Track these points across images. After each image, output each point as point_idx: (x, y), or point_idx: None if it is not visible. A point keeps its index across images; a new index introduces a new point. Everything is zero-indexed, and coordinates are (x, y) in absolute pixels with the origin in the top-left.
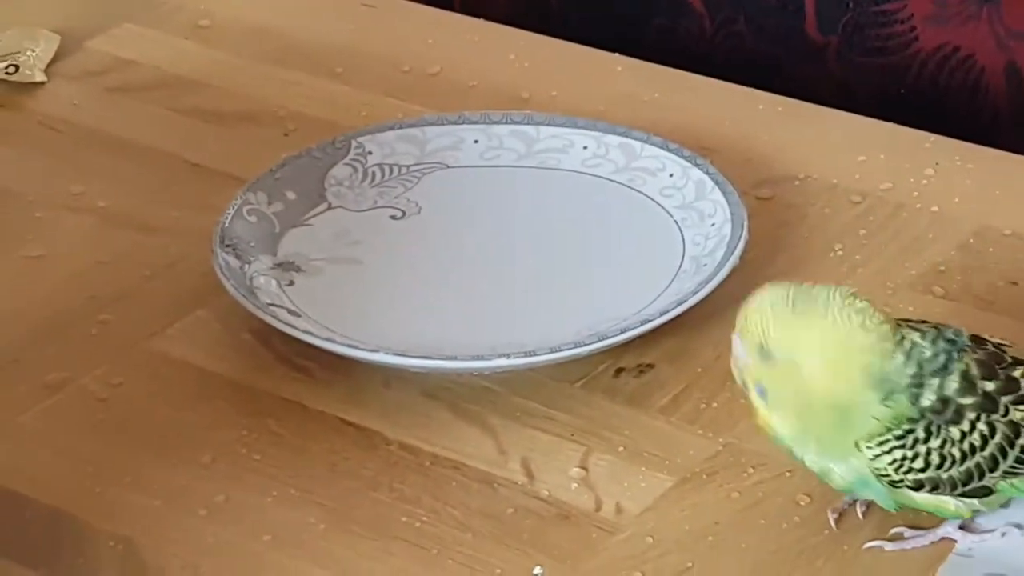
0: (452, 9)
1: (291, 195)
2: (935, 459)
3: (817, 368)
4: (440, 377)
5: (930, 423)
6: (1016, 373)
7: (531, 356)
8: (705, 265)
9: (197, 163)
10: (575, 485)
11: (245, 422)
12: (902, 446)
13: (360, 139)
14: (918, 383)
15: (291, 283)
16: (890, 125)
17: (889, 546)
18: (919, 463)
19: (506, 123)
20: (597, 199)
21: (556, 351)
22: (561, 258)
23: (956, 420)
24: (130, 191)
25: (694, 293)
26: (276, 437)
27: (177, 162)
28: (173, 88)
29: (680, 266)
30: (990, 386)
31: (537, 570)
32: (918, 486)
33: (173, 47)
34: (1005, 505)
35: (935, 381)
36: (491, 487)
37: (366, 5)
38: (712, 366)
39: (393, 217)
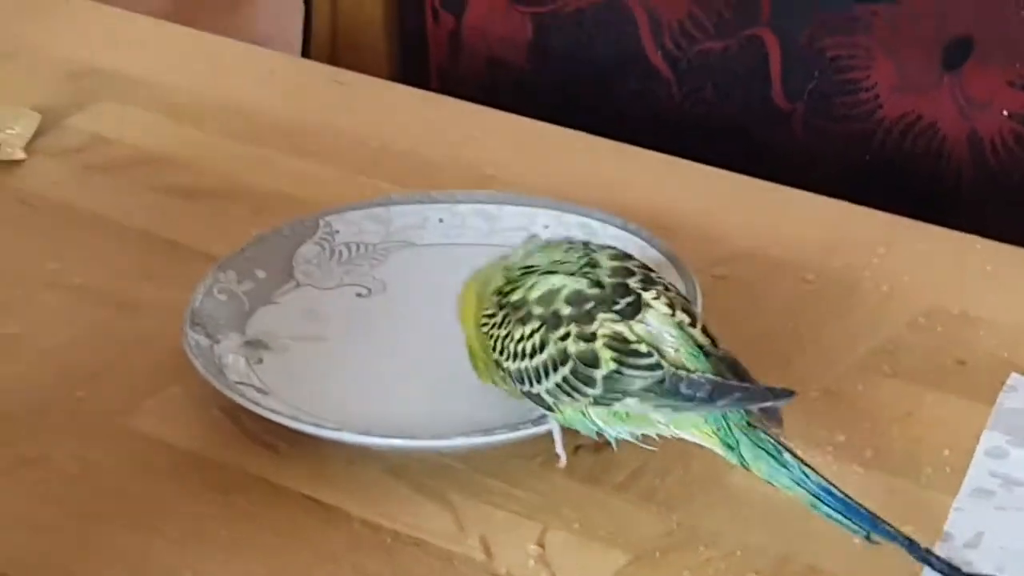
0: (428, 87)
1: (261, 273)
2: (499, 346)
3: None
4: (403, 455)
5: (505, 315)
6: (601, 315)
7: (490, 435)
8: None
9: (171, 239)
10: (532, 562)
11: (213, 497)
12: (486, 323)
13: (328, 218)
14: (521, 276)
15: (260, 361)
16: (845, 204)
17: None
18: (494, 343)
19: (469, 202)
20: None
21: (514, 430)
22: None
23: (523, 321)
24: (105, 268)
25: None
26: (243, 513)
27: (151, 239)
28: (149, 165)
29: None
30: (566, 309)
31: None
32: (497, 367)
33: (149, 124)
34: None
35: (529, 281)
36: (451, 564)
37: (337, 82)
38: (667, 444)
39: (359, 295)
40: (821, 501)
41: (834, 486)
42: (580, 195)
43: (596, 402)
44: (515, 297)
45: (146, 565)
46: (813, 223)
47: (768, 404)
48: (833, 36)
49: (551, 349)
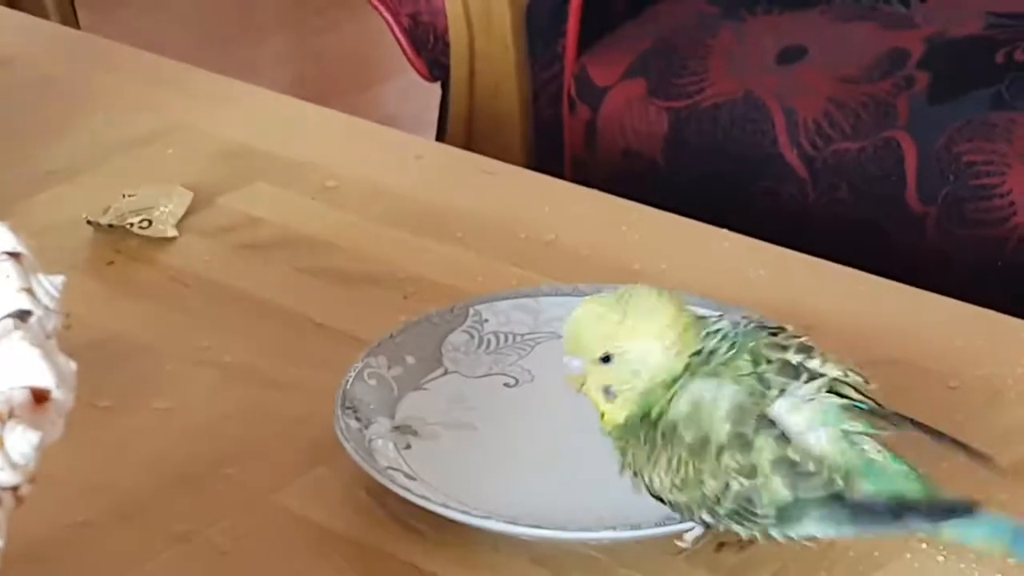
0: (562, 176)
1: (410, 359)
2: (638, 471)
3: (657, 352)
4: (548, 545)
5: (647, 433)
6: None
7: (636, 530)
8: None
9: (319, 322)
10: None
11: None
12: (620, 438)
13: (477, 307)
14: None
15: (408, 447)
16: (988, 312)
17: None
18: (634, 468)
19: None
20: None
21: (661, 525)
22: None
23: (666, 447)
24: (254, 347)
25: None
26: None
27: (299, 319)
28: (299, 247)
29: None
30: (722, 432)
31: None
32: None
33: (301, 206)
34: None
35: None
36: None
37: (486, 172)
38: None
39: (507, 384)
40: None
41: None
42: (723, 293)
43: (774, 526)
44: (654, 412)
45: None
46: (955, 330)
47: (952, 520)
48: (970, 141)
49: (710, 483)
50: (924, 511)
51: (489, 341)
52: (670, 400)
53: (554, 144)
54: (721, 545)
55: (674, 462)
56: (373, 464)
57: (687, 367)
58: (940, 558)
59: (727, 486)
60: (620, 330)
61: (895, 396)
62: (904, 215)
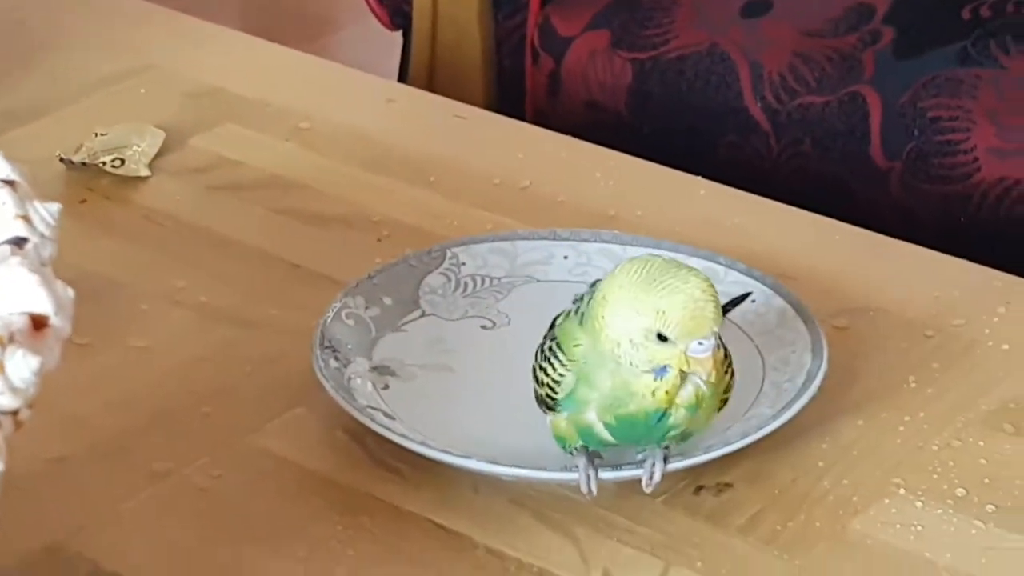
0: (523, 119)
1: (387, 301)
2: None
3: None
4: (527, 485)
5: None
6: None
7: (617, 470)
8: (785, 390)
9: (295, 263)
10: None
11: (339, 518)
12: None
13: (454, 250)
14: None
15: (386, 387)
16: (962, 262)
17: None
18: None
19: (595, 241)
20: None
21: (640, 466)
22: None
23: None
24: (230, 288)
25: (774, 418)
26: (369, 534)
27: (275, 261)
28: (272, 188)
29: (760, 390)
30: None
31: None
32: None
33: (274, 148)
34: None
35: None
36: None
37: (458, 116)
38: (789, 488)
39: (484, 327)
40: None
41: None
42: (700, 239)
43: None
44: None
45: None
46: (930, 279)
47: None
48: (935, 97)
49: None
50: None
51: (466, 284)
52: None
53: (517, 95)
54: (699, 488)
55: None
56: (352, 403)
57: None
58: (918, 503)
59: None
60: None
61: (871, 344)
62: (868, 170)
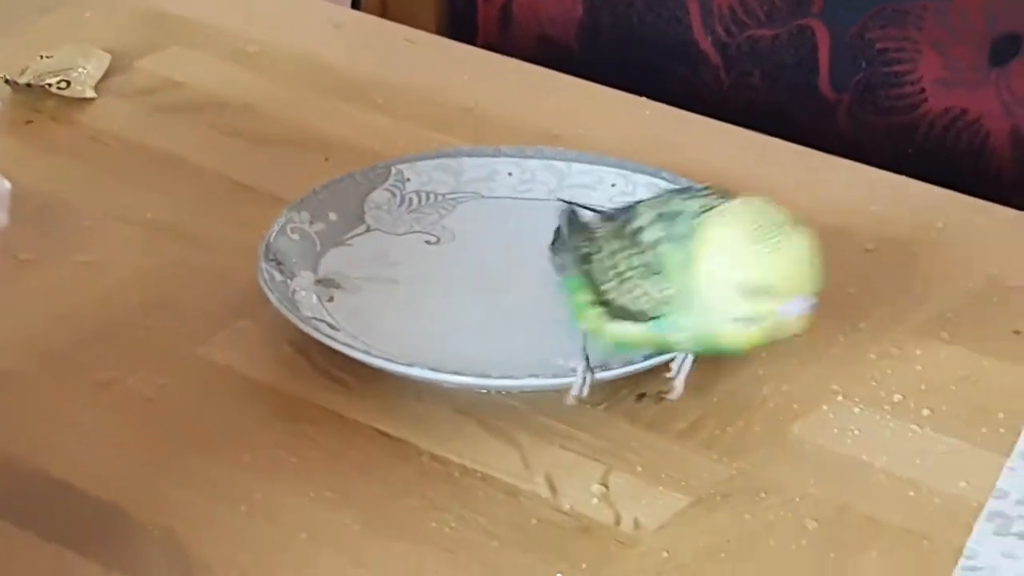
0: (475, 44)
1: (332, 216)
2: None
3: None
4: (470, 394)
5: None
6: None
7: (558, 377)
8: None
9: (241, 182)
10: (596, 500)
11: (284, 427)
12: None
13: (399, 166)
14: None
15: (331, 299)
16: (903, 178)
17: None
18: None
19: (539, 158)
20: None
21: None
22: None
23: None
24: (176, 205)
25: None
26: (313, 442)
27: (222, 180)
28: (219, 110)
29: None
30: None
31: None
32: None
33: (221, 70)
34: None
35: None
36: (516, 499)
37: (407, 40)
38: (729, 396)
39: (428, 242)
40: None
41: None
42: (643, 157)
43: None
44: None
45: (218, 487)
46: (872, 195)
47: None
48: (882, 28)
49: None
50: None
51: (411, 200)
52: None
53: (469, 29)
54: (641, 396)
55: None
56: (296, 314)
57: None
58: (856, 409)
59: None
60: None
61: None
62: (816, 102)
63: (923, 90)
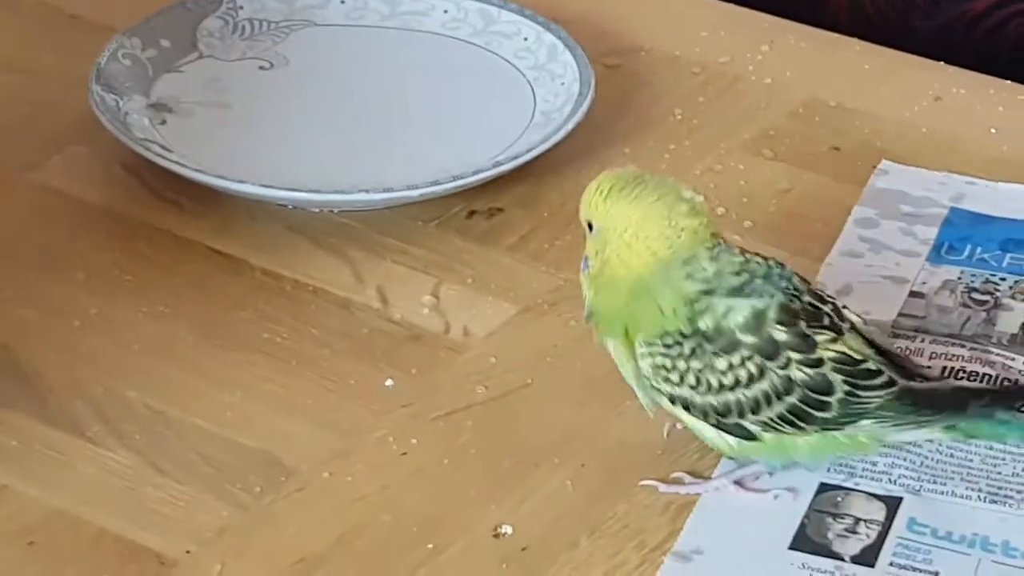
0: None
1: (165, 43)
2: (691, 379)
3: (618, 244)
4: (303, 213)
5: (698, 344)
6: (820, 338)
7: (389, 192)
8: (554, 119)
9: (73, 13)
10: (426, 311)
11: (118, 245)
12: (665, 355)
13: None
14: (706, 297)
15: (163, 122)
16: (730, 5)
17: (664, 487)
18: (675, 376)
19: None
20: (456, 59)
21: (413, 188)
22: (420, 111)
23: (728, 351)
24: (6, 37)
25: (543, 142)
26: (147, 260)
27: (52, 10)
28: None
29: (531, 120)
30: (781, 334)
31: (388, 382)
32: (672, 399)
33: None
34: (788, 467)
35: (722, 304)
36: (348, 310)
37: None
38: (558, 211)
39: (262, 68)
40: None
41: None
42: None
43: (824, 428)
44: (707, 324)
45: (54, 303)
46: (700, 22)
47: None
48: None
49: (772, 378)
50: (991, 398)
51: (244, 27)
52: (724, 314)
53: None
54: (472, 213)
55: (734, 361)
56: (128, 136)
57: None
58: None
59: (790, 381)
60: (604, 206)
61: (640, 81)
62: None
63: None
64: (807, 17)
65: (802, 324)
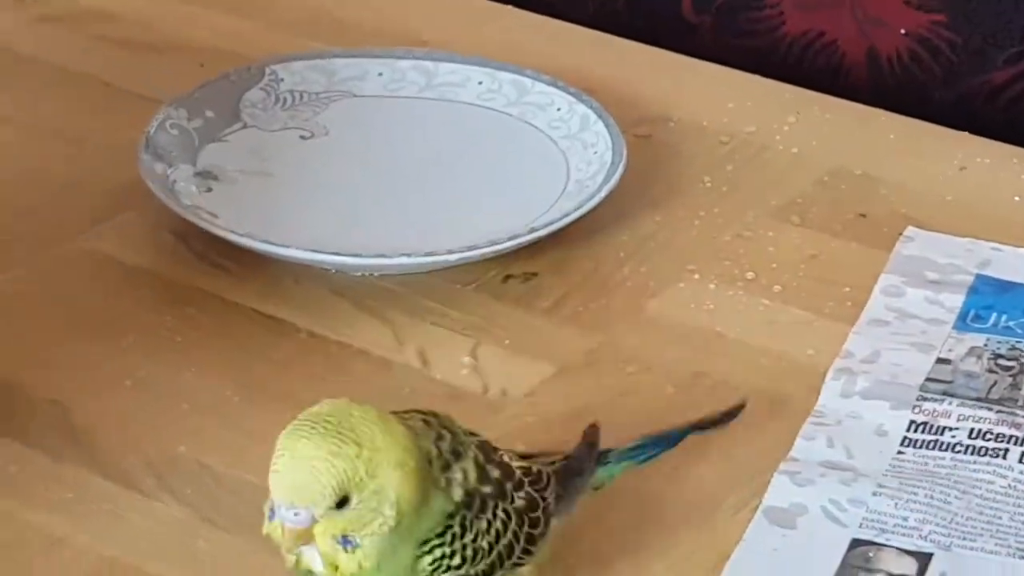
0: None
1: (209, 113)
2: (469, 553)
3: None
4: (346, 277)
5: (464, 517)
6: (503, 457)
7: (430, 256)
8: (587, 187)
9: (118, 86)
10: (465, 371)
11: (166, 309)
12: (441, 544)
13: (273, 66)
14: (446, 476)
15: (209, 190)
16: (755, 77)
17: None
18: (456, 560)
19: (408, 58)
20: (491, 129)
21: (452, 253)
22: (457, 179)
23: (482, 511)
24: (55, 109)
25: (577, 209)
26: (195, 322)
27: (99, 84)
28: (92, 19)
29: (564, 188)
30: (495, 472)
31: None
32: None
33: None
34: None
35: (458, 471)
36: (390, 370)
37: None
38: (591, 276)
39: (303, 137)
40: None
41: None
42: (508, 59)
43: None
44: (458, 495)
45: (105, 364)
46: (727, 93)
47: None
48: None
49: (513, 515)
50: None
51: (285, 99)
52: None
53: None
54: (507, 278)
55: (489, 514)
56: (176, 203)
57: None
58: (711, 286)
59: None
60: (360, 465)
61: (670, 150)
62: (679, 25)
63: (782, 13)
64: (829, 88)
65: (491, 453)
